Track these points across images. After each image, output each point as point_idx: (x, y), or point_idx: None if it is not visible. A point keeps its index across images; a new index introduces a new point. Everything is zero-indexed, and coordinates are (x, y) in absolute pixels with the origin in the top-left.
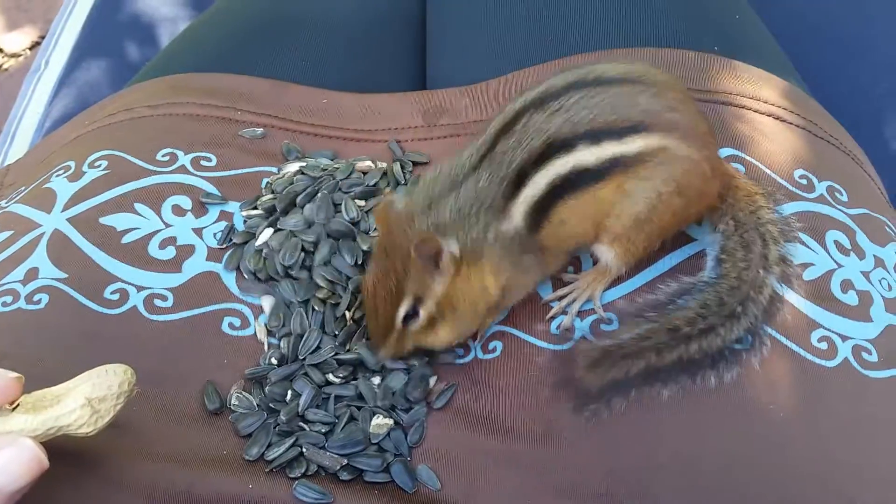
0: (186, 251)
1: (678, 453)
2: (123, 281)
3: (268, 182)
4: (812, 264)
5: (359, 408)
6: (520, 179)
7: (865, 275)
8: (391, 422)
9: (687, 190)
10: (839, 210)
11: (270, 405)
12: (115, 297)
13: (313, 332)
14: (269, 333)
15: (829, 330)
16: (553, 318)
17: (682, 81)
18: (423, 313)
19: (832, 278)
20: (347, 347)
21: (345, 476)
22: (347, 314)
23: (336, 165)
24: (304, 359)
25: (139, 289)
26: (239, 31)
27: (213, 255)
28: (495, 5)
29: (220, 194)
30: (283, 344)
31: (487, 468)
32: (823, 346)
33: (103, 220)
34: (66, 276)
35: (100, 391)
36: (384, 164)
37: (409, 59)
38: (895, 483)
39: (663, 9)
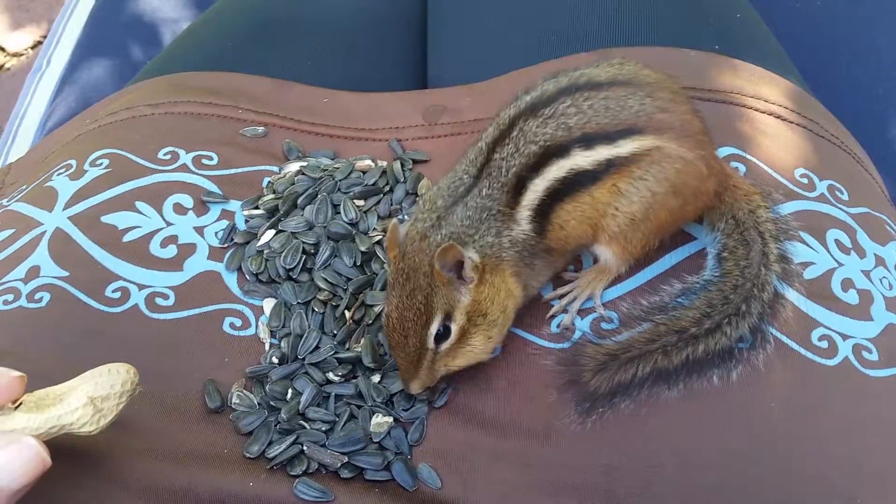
0: (188, 250)
1: (678, 452)
2: (125, 279)
3: (269, 181)
4: (813, 263)
5: (359, 406)
6: (520, 185)
7: (866, 273)
8: (391, 420)
9: (682, 189)
10: (840, 209)
11: (271, 403)
12: (117, 295)
13: (312, 332)
14: (271, 334)
15: (829, 329)
16: (553, 316)
17: (673, 80)
18: (454, 328)
19: (833, 277)
20: (347, 346)
21: (345, 474)
22: (347, 314)
23: (336, 165)
24: (303, 358)
25: (140, 287)
26: (240, 31)
27: (214, 254)
28: (495, 5)
29: (221, 193)
30: (283, 344)
31: (488, 466)
32: (824, 344)
33: (104, 219)
34: (67, 274)
35: (102, 390)
36: (384, 163)
37: (410, 58)
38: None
39: (664, 8)
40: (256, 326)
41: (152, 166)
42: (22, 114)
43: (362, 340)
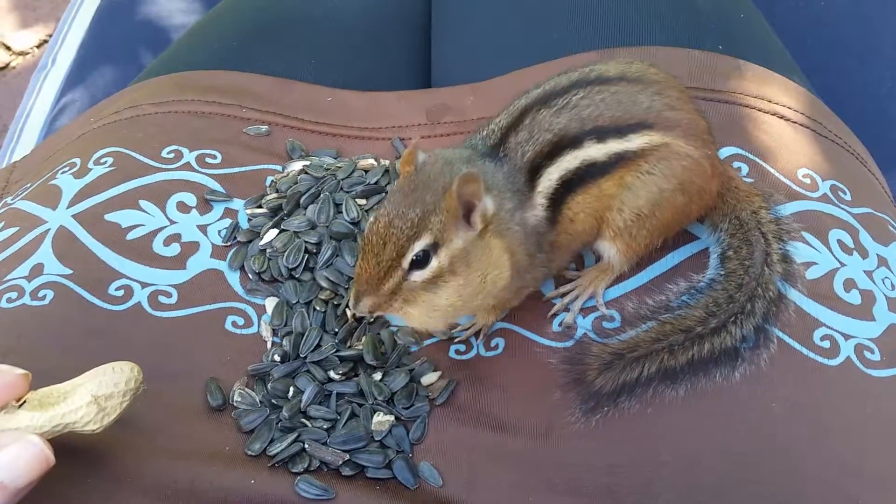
0: (191, 248)
1: (680, 451)
2: (128, 277)
3: (272, 180)
4: (815, 263)
5: (360, 404)
6: (534, 172)
7: (868, 274)
8: (392, 418)
9: (688, 187)
10: (842, 209)
11: (273, 401)
12: (120, 293)
13: (314, 330)
14: (273, 332)
15: (831, 329)
16: (555, 315)
17: (678, 81)
18: (433, 263)
19: (835, 277)
20: (348, 344)
21: (347, 472)
22: (348, 312)
23: (339, 164)
24: (305, 356)
25: (143, 285)
26: (244, 30)
27: (217, 252)
28: (499, 4)
29: (224, 191)
30: (284, 342)
31: (489, 465)
32: (826, 344)
33: (108, 217)
34: (70, 272)
35: (106, 389)
36: (387, 162)
37: (414, 57)
38: None
39: (668, 8)
40: (258, 325)
41: (156, 165)
42: (27, 112)
43: (363, 338)
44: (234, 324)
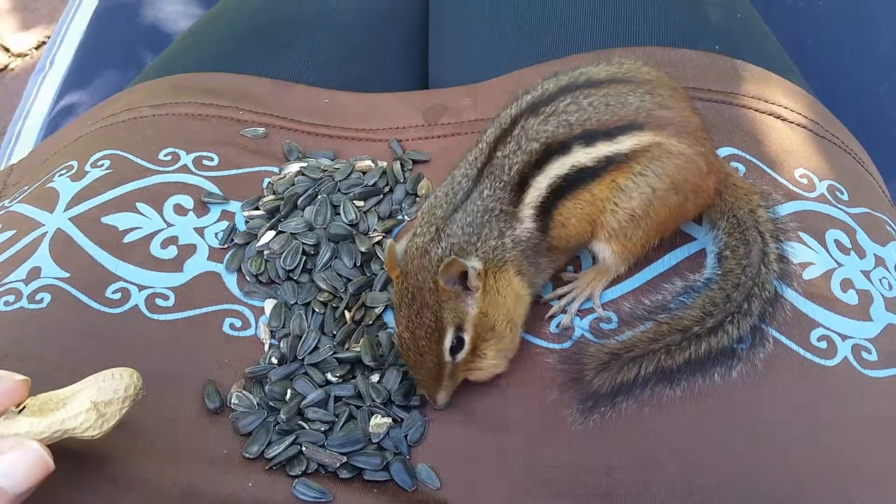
0: (188, 251)
1: (677, 452)
2: (125, 280)
3: (269, 182)
4: (812, 263)
5: (357, 407)
6: (523, 182)
7: (866, 274)
8: (390, 420)
9: (682, 185)
10: (840, 209)
11: (270, 404)
12: (117, 296)
13: (312, 332)
14: (271, 334)
15: (828, 329)
16: (553, 316)
17: (671, 78)
18: (467, 339)
19: (832, 277)
20: (346, 346)
21: (344, 474)
22: (347, 314)
23: (336, 166)
24: (303, 359)
25: (141, 288)
26: (241, 32)
27: (214, 254)
28: (495, 5)
29: (221, 193)
30: (282, 344)
31: (487, 466)
32: (823, 345)
33: (105, 220)
34: (68, 275)
35: (105, 395)
36: (384, 164)
37: (411, 59)
38: (895, 481)
39: (664, 8)
40: (256, 327)
41: (153, 167)
42: (25, 115)
43: (361, 340)
44: (231, 326)
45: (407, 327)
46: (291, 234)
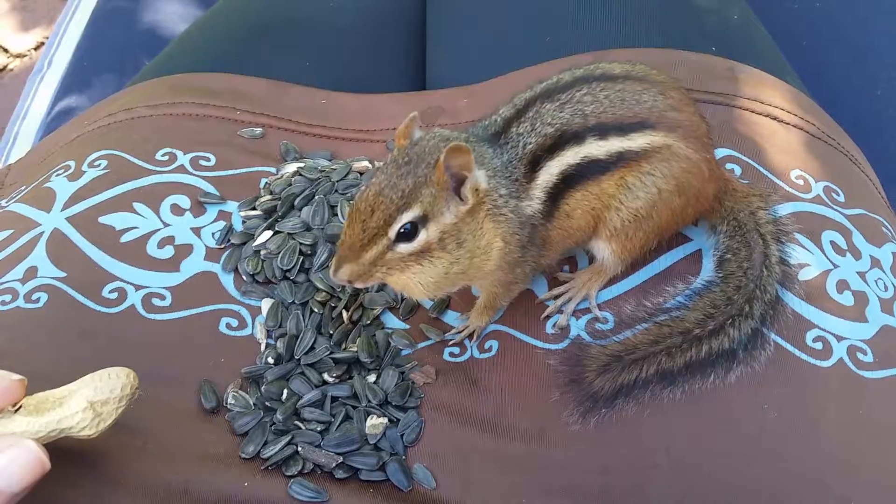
0: (185, 250)
1: (673, 453)
2: (122, 280)
3: (266, 182)
4: (808, 265)
5: (354, 407)
6: (534, 163)
7: (861, 275)
8: (386, 421)
9: (686, 189)
10: (836, 210)
11: (267, 404)
12: (114, 295)
13: (308, 332)
14: (267, 334)
15: (824, 330)
16: (548, 317)
17: (680, 84)
18: (421, 236)
19: (828, 279)
20: (343, 346)
21: (340, 474)
22: (345, 314)
23: (333, 167)
24: (299, 359)
25: (137, 288)
26: (239, 33)
27: (211, 254)
28: (493, 7)
29: (218, 194)
30: (279, 344)
31: (482, 467)
32: (818, 346)
33: (102, 220)
34: (64, 274)
35: (102, 394)
36: (381, 164)
37: (409, 60)
38: (890, 482)
39: (661, 9)
40: (253, 327)
41: (150, 167)
42: (23, 115)
43: (358, 340)
44: (228, 326)
45: (378, 183)
46: (288, 234)
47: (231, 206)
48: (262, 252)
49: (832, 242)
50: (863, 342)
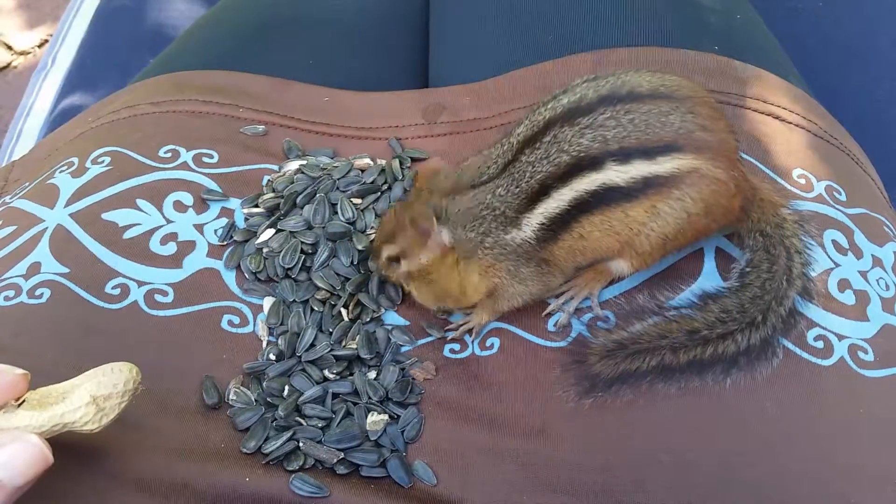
0: (187, 247)
1: (672, 450)
2: (124, 276)
3: (269, 180)
4: (811, 263)
5: (355, 403)
6: (542, 191)
7: (863, 274)
8: (386, 417)
9: (714, 209)
10: (837, 210)
11: (268, 400)
12: (116, 291)
13: (309, 329)
14: (269, 331)
15: (825, 329)
16: (550, 315)
17: (709, 95)
18: (402, 267)
19: (829, 277)
20: (343, 343)
21: (341, 470)
22: (344, 312)
23: (335, 164)
24: (300, 355)
25: (140, 284)
26: (242, 30)
27: (213, 251)
28: (496, 5)
29: (221, 191)
30: (280, 341)
31: (484, 464)
32: (819, 344)
33: (105, 216)
34: (67, 270)
35: (105, 389)
36: (383, 162)
37: (411, 57)
38: (891, 481)
39: (664, 8)
40: (255, 324)
41: (153, 164)
42: (26, 112)
43: (358, 337)
44: (230, 322)
45: (391, 214)
46: (290, 232)
47: (234, 203)
48: (265, 250)
49: (834, 241)
50: (864, 341)
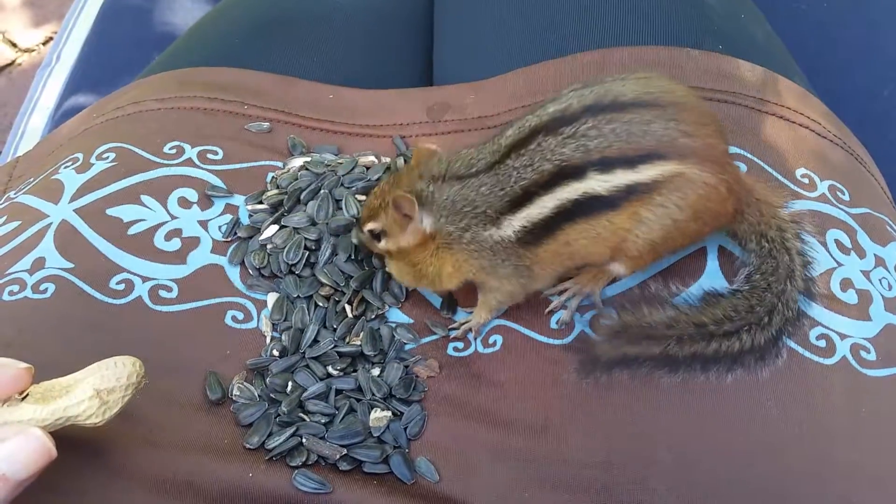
0: (191, 243)
1: (675, 449)
2: (129, 271)
3: (273, 177)
4: (812, 263)
5: (358, 400)
6: (525, 197)
7: (865, 274)
8: (389, 414)
9: (702, 214)
10: (840, 209)
11: (271, 396)
12: (121, 287)
13: (313, 325)
14: (272, 327)
15: (827, 328)
16: (552, 312)
17: (675, 80)
18: (383, 243)
19: (832, 277)
20: (347, 340)
21: (344, 466)
22: (348, 308)
23: (339, 161)
24: (304, 351)
25: (144, 279)
26: (247, 27)
27: (217, 247)
28: (500, 4)
29: (225, 187)
30: (284, 337)
31: (486, 461)
32: (822, 343)
33: (110, 212)
34: (72, 266)
35: (108, 383)
36: (387, 159)
37: (416, 55)
38: (892, 481)
39: (668, 7)
40: (258, 320)
41: (158, 160)
42: (31, 109)
43: (361, 333)
44: (234, 318)
45: (381, 188)
46: (294, 228)
47: (238, 199)
48: (269, 246)
49: (837, 241)
50: (866, 340)
